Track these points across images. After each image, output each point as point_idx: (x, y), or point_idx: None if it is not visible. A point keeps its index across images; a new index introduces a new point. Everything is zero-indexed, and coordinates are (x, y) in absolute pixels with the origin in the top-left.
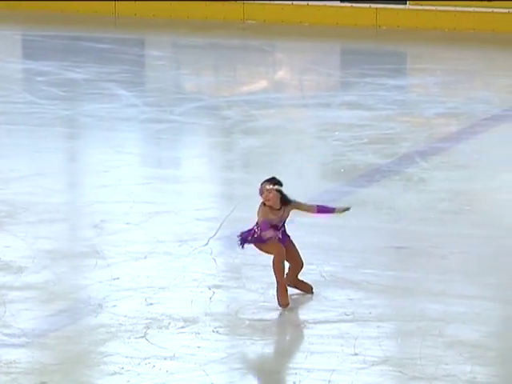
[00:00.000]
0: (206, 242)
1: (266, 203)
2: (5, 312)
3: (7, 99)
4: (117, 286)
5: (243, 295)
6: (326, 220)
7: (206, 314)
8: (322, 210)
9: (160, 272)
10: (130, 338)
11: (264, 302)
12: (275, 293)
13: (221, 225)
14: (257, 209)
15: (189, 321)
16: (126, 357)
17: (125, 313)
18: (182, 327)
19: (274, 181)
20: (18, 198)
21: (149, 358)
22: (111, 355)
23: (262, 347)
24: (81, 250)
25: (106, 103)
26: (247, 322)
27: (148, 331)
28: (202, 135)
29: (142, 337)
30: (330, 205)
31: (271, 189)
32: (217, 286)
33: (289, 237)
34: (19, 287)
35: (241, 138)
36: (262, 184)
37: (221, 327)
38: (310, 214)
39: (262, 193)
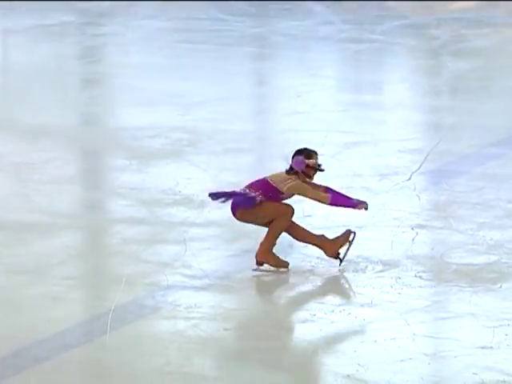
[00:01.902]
0: (408, 177)
1: (307, 177)
2: (185, 251)
3: (189, 15)
4: (309, 225)
5: (450, 236)
6: None
7: (408, 257)
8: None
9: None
10: (322, 283)
11: (473, 244)
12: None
13: (425, 157)
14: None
15: (388, 264)
16: (319, 303)
17: (317, 254)
18: (381, 271)
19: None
20: (201, 125)
21: (343, 304)
22: (302, 300)
23: (470, 295)
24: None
25: (300, 20)
26: (454, 267)
27: (343, 275)
28: (405, 57)
29: (336, 281)
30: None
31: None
32: (420, 226)
33: None
34: (201, 224)
35: (449, 60)
36: (311, 152)
37: (424, 272)
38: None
39: (304, 164)
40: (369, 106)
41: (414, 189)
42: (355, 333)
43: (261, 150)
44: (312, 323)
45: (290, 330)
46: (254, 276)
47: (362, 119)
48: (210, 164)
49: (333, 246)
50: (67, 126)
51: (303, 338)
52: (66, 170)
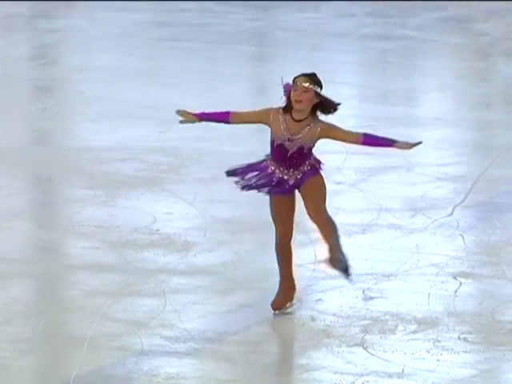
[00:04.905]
0: (450, 212)
1: (294, 106)
2: (165, 306)
3: (172, 4)
4: (322, 272)
5: (503, 288)
6: None
7: (450, 314)
8: (372, 141)
9: (384, 253)
10: (340, 347)
11: None
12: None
13: (472, 187)
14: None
15: (424, 323)
16: (335, 372)
17: (334, 310)
18: (415, 332)
19: (314, 78)
20: (185, 145)
21: (367, 374)
22: (314, 370)
23: None
24: (265, 219)
25: (310, 11)
26: (508, 327)
27: (366, 337)
28: (445, 58)
29: (357, 345)
30: (385, 136)
31: (309, 88)
32: (465, 275)
33: (317, 173)
34: (185, 271)
35: (502, 62)
36: (295, 78)
37: (470, 333)
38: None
39: (289, 88)
40: (399, 120)
41: (457, 227)
42: None
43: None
44: None
45: None
46: (253, 339)
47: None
48: (196, 195)
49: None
50: (13, 146)
51: None
52: (12, 201)
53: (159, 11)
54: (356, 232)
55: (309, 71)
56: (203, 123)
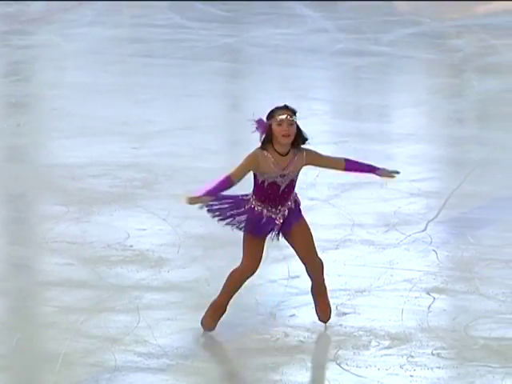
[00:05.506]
0: (423, 227)
1: (283, 141)
2: (138, 322)
3: (145, 20)
4: (296, 288)
5: (476, 303)
6: None
7: (423, 330)
8: (354, 167)
9: (357, 268)
10: (313, 362)
11: (506, 313)
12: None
13: (445, 202)
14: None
15: (398, 338)
16: None
17: (307, 326)
18: (389, 347)
19: (293, 109)
20: (159, 160)
21: None
22: None
23: (502, 377)
24: (238, 235)
25: (283, 28)
26: (482, 342)
27: (339, 352)
28: (418, 74)
29: (330, 360)
30: (368, 163)
31: (291, 120)
32: (438, 290)
33: (300, 216)
34: (159, 287)
35: (475, 78)
36: (273, 113)
37: (443, 348)
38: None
39: (265, 124)
40: (372, 136)
41: (431, 242)
42: None
43: (234, 192)
44: None
45: None
46: (227, 354)
47: (364, 153)
48: (170, 211)
49: None
50: None
51: None
52: None
53: (131, 26)
54: (329, 248)
55: (280, 104)
56: (175, 138)
